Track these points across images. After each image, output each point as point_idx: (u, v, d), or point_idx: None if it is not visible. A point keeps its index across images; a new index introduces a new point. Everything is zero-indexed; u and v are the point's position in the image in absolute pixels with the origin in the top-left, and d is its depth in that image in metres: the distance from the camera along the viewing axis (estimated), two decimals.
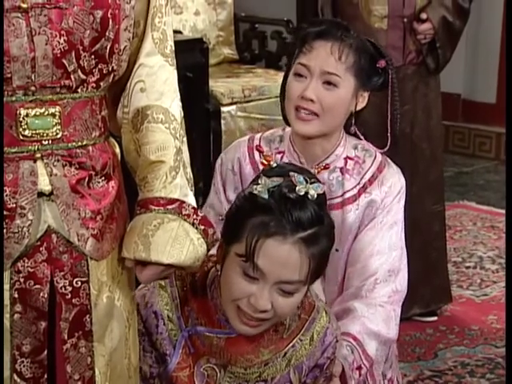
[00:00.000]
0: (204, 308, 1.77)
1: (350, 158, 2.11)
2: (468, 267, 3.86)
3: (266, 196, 1.67)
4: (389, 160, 2.15)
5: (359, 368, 1.96)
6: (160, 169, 1.56)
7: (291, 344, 1.80)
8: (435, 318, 3.36)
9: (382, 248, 2.07)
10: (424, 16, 3.06)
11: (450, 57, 3.20)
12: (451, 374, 2.98)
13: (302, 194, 1.67)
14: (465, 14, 3.20)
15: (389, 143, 2.16)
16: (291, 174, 1.70)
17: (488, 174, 5.22)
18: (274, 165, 1.75)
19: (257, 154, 2.13)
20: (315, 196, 1.68)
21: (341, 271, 2.11)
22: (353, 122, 2.12)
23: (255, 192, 1.69)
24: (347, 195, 2.10)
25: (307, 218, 1.66)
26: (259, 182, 1.70)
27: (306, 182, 1.68)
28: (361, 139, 2.14)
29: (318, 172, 1.75)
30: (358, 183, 2.10)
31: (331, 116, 2.05)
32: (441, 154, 3.33)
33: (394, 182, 2.11)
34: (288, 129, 2.14)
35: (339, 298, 2.08)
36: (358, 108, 2.10)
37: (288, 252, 1.65)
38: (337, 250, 2.06)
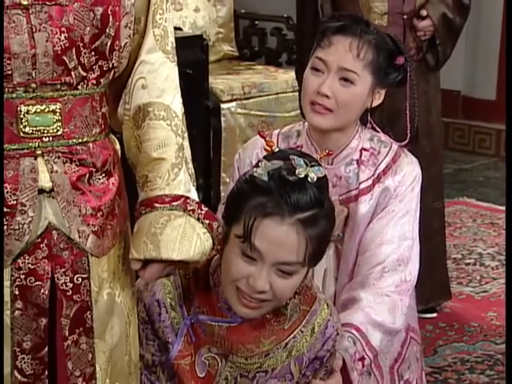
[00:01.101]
0: (206, 296, 1.78)
1: (366, 150, 2.11)
2: (468, 264, 3.86)
3: (266, 178, 1.68)
4: (405, 150, 2.14)
5: (362, 359, 1.95)
6: (161, 166, 1.56)
7: (292, 335, 1.81)
8: (435, 315, 3.36)
9: (392, 237, 2.06)
10: (424, 13, 3.06)
11: (450, 53, 3.20)
12: (451, 371, 2.98)
13: (301, 176, 1.67)
14: (465, 10, 3.20)
15: (407, 138, 2.15)
16: (291, 157, 1.70)
17: (488, 171, 5.22)
18: (276, 150, 1.76)
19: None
20: (315, 179, 1.68)
21: (352, 261, 2.10)
22: (368, 118, 2.12)
23: (255, 174, 1.70)
24: (362, 186, 2.09)
25: (306, 201, 1.66)
26: (259, 165, 1.71)
27: (306, 165, 1.68)
28: (378, 132, 2.14)
29: (321, 158, 1.74)
30: (373, 174, 2.09)
31: (346, 112, 2.04)
32: (441, 150, 3.33)
33: (408, 171, 2.10)
34: (306, 123, 2.14)
35: (347, 286, 2.07)
36: (374, 104, 2.10)
37: (285, 233, 1.66)
38: (338, 235, 2.05)
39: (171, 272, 1.62)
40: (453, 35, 3.19)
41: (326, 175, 1.73)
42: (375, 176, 2.09)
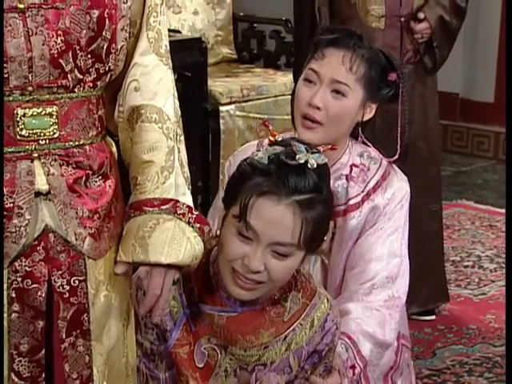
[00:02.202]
0: (206, 286, 1.78)
1: (356, 166, 2.11)
2: (466, 266, 3.86)
3: (266, 161, 1.70)
4: (395, 167, 2.15)
5: (353, 367, 1.96)
6: (151, 169, 1.56)
7: (291, 328, 1.81)
8: (433, 317, 3.36)
9: (381, 254, 2.07)
10: (421, 15, 3.07)
11: (447, 56, 3.21)
12: (449, 373, 2.98)
13: (301, 161, 1.69)
14: (462, 13, 3.20)
15: (397, 154, 2.15)
16: (293, 143, 1.72)
17: (486, 174, 5.22)
18: (280, 139, 1.77)
19: None
20: (315, 165, 1.69)
21: (339, 276, 2.11)
22: (359, 131, 2.12)
23: (255, 158, 1.72)
24: (351, 202, 2.10)
25: (304, 184, 1.68)
26: (261, 149, 1.74)
27: (307, 152, 1.70)
28: (369, 146, 2.14)
29: (324, 151, 1.76)
30: (362, 191, 2.10)
31: (336, 125, 2.05)
32: (438, 153, 3.33)
33: (397, 188, 2.11)
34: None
35: (335, 301, 2.08)
36: (365, 119, 2.10)
37: (281, 213, 1.67)
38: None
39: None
40: (450, 38, 3.19)
41: (327, 163, 1.74)
42: (364, 193, 2.10)
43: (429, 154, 3.21)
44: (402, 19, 3.07)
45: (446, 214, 3.67)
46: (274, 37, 4.63)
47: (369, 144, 2.14)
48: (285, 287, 1.81)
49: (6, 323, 1.51)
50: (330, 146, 1.80)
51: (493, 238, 4.18)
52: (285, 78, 4.11)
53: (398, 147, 2.16)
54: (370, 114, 2.11)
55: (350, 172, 2.11)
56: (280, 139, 1.77)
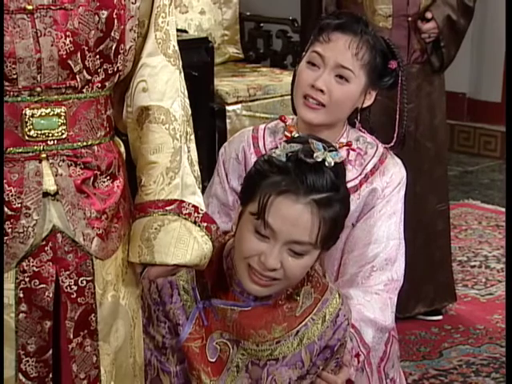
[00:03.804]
0: (219, 280, 1.79)
1: (352, 149, 2.12)
2: (473, 266, 3.86)
3: (284, 159, 1.70)
4: (391, 152, 2.16)
5: (357, 355, 1.97)
6: (155, 170, 1.56)
7: (303, 323, 1.82)
8: (440, 317, 3.35)
9: (380, 237, 2.08)
10: (429, 15, 3.06)
11: (454, 55, 3.20)
12: (456, 373, 2.98)
13: (319, 160, 1.69)
14: (469, 12, 3.20)
15: (393, 142, 2.16)
16: (310, 140, 1.73)
17: (493, 173, 5.21)
18: (296, 135, 1.77)
19: (261, 143, 2.14)
20: (332, 163, 1.70)
21: (338, 260, 2.12)
22: (358, 118, 2.13)
23: (273, 155, 1.72)
24: (349, 185, 2.10)
25: (322, 183, 1.69)
26: (278, 147, 1.74)
27: (325, 150, 1.71)
28: (364, 133, 2.15)
29: (340, 147, 1.76)
30: (360, 174, 2.11)
31: (337, 109, 2.06)
32: (445, 152, 3.33)
33: (394, 172, 2.12)
34: (294, 118, 2.14)
35: (334, 285, 2.08)
36: (365, 105, 2.11)
37: (300, 212, 1.68)
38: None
39: (177, 272, 1.63)
40: (457, 37, 3.19)
41: (343, 161, 1.75)
42: (362, 176, 2.11)
43: (436, 153, 3.21)
44: (410, 19, 3.07)
45: (452, 214, 3.66)
46: (281, 36, 4.63)
47: (363, 131, 2.15)
48: (298, 283, 1.82)
49: (13, 323, 1.51)
50: (346, 143, 1.78)
51: (500, 238, 4.17)
52: (291, 78, 4.11)
53: (395, 135, 2.16)
54: (369, 100, 2.11)
55: (348, 156, 2.11)
56: (296, 135, 1.77)
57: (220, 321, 1.79)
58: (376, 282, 2.05)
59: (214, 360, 1.80)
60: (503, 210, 4.48)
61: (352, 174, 2.10)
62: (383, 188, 2.10)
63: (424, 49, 3.12)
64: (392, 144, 2.16)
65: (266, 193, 1.68)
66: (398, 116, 2.17)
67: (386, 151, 2.15)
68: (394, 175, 2.12)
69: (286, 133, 1.76)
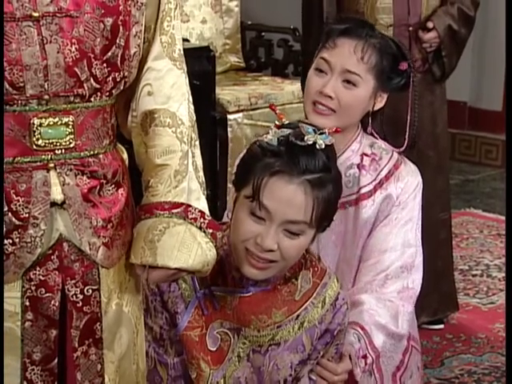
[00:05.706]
0: (219, 267, 1.79)
1: (367, 155, 2.13)
2: (475, 275, 3.86)
3: (276, 143, 1.74)
4: (405, 158, 2.16)
5: (365, 357, 1.97)
6: (164, 173, 1.56)
7: (303, 307, 1.85)
8: (442, 326, 3.35)
9: (396, 244, 2.08)
10: (430, 25, 3.07)
11: (455, 65, 3.21)
12: (458, 383, 2.97)
13: (310, 142, 1.72)
14: (470, 22, 3.21)
15: (405, 144, 2.17)
16: (300, 124, 1.76)
17: (494, 182, 5.22)
18: (287, 122, 1.79)
19: None
20: (323, 146, 1.73)
21: (355, 267, 2.12)
22: (369, 121, 2.13)
23: (265, 140, 1.75)
24: (362, 191, 2.11)
25: (314, 164, 1.72)
26: (269, 132, 1.77)
27: (315, 133, 1.74)
28: (377, 138, 2.15)
29: (329, 133, 1.77)
30: (374, 179, 2.11)
31: (347, 113, 2.07)
32: (447, 161, 3.33)
33: (410, 179, 2.13)
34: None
35: (349, 291, 2.08)
36: (376, 108, 2.12)
37: (293, 191, 1.71)
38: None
39: (178, 278, 1.62)
40: (458, 47, 3.20)
41: (333, 144, 1.77)
42: (377, 181, 2.11)
43: (438, 162, 3.21)
44: (411, 28, 3.08)
45: (454, 223, 3.66)
46: (282, 45, 4.64)
47: (376, 136, 2.15)
48: (295, 266, 1.85)
49: (19, 331, 1.51)
50: (334, 129, 1.82)
51: (501, 247, 4.17)
52: (293, 87, 4.11)
53: (406, 137, 2.17)
54: (380, 103, 2.12)
55: (361, 161, 2.12)
56: (287, 122, 1.79)
57: (220, 310, 1.81)
58: (390, 289, 2.05)
59: (214, 349, 1.82)
60: (504, 218, 4.48)
61: (366, 180, 2.11)
62: (398, 195, 2.10)
63: (425, 58, 3.13)
64: (403, 148, 2.16)
65: (260, 175, 1.71)
66: (409, 117, 2.18)
67: (400, 157, 2.15)
68: (409, 181, 2.12)
69: (276, 121, 1.78)
